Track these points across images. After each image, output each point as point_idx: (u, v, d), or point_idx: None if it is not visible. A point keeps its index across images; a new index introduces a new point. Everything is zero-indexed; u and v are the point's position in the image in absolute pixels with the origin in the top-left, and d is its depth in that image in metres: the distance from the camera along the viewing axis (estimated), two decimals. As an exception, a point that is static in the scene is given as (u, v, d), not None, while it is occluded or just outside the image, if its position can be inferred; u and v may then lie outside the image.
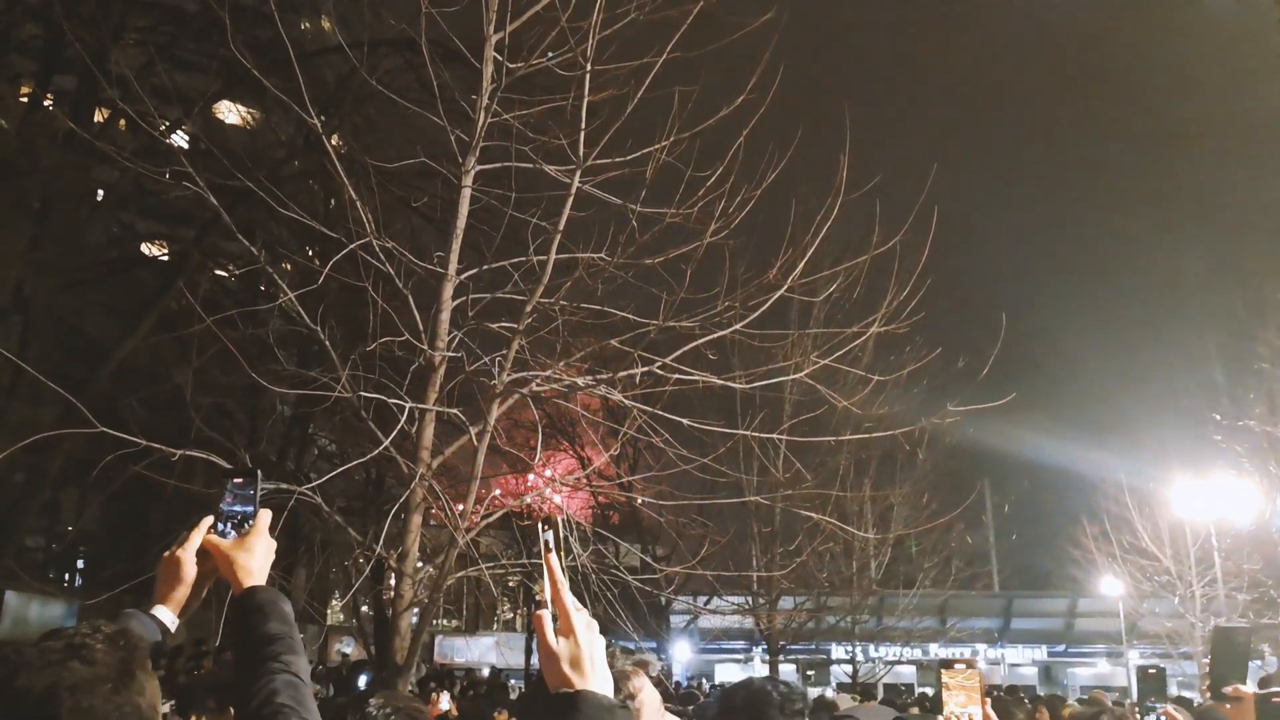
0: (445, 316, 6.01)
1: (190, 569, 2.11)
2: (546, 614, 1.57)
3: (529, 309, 6.04)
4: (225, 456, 5.20)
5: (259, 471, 2.19)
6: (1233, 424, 23.07)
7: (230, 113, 21.89)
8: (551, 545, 1.64)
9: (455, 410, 6.17)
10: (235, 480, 2.18)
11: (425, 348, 5.86)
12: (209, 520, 2.17)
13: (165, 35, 16.56)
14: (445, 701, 11.13)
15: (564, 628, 1.58)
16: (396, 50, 13.56)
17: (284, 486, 5.21)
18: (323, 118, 12.89)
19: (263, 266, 5.78)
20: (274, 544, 2.18)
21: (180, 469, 5.71)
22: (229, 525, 2.15)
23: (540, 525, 1.68)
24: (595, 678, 1.55)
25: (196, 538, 2.13)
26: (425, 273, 6.13)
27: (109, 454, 5.41)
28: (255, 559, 2.13)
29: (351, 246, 5.74)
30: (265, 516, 2.18)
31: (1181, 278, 31.89)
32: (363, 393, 5.60)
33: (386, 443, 5.39)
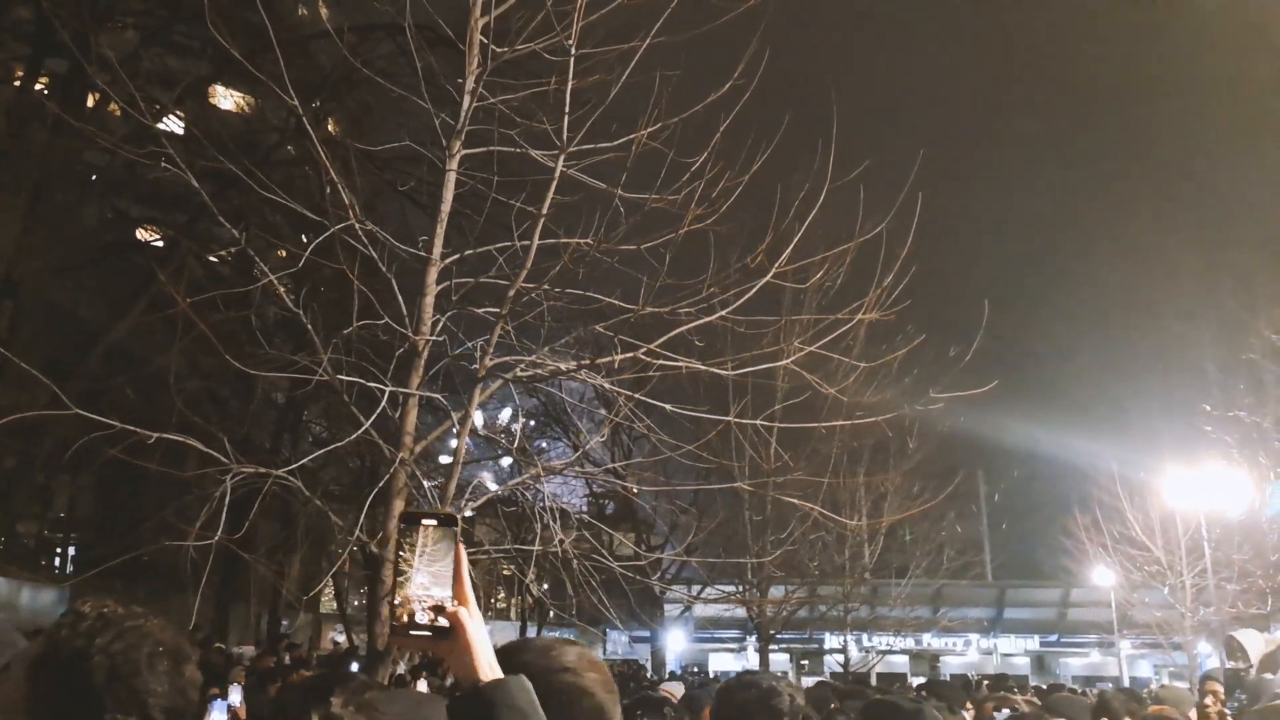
0: (429, 300, 6.00)
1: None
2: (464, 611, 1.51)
3: (512, 293, 6.03)
4: (206, 440, 5.19)
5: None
6: (1223, 414, 23.18)
7: (225, 98, 21.80)
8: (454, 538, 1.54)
9: (439, 395, 6.18)
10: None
11: (409, 332, 5.86)
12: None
13: (158, 19, 16.47)
14: (423, 687, 11.29)
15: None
16: (389, 35, 13.54)
17: (261, 470, 5.20)
18: (316, 103, 12.91)
19: (244, 247, 5.77)
20: None
21: (170, 454, 5.71)
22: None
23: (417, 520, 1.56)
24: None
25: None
26: (410, 257, 6.12)
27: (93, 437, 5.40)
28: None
29: (333, 229, 5.73)
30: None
31: (1173, 268, 31.89)
32: (344, 376, 5.58)
33: (367, 425, 5.39)
